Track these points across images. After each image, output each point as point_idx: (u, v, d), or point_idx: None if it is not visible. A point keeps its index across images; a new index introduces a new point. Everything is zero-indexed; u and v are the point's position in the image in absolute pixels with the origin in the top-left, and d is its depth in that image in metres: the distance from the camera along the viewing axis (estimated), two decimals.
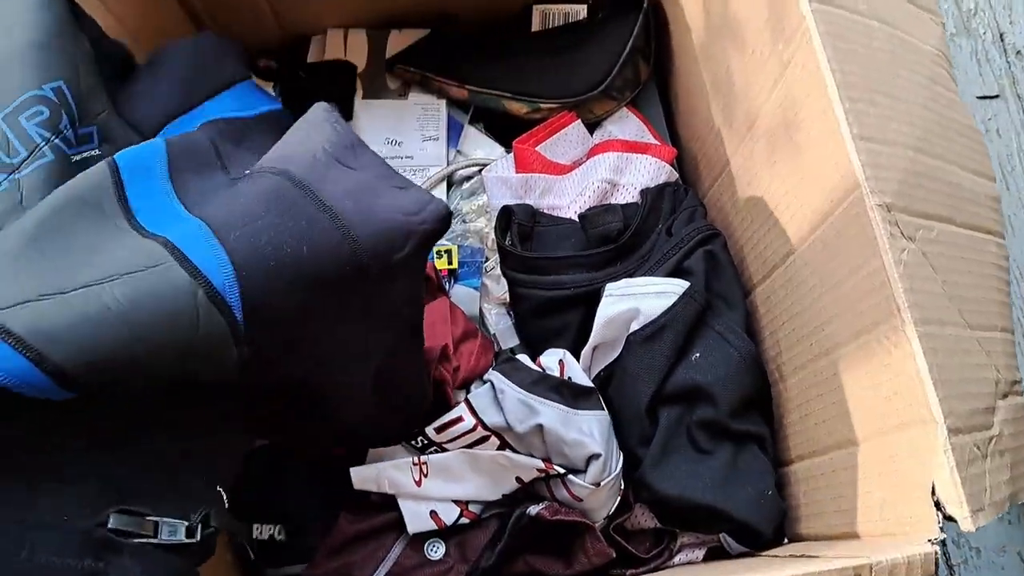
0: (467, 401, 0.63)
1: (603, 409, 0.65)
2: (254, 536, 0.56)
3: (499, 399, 0.63)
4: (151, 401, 0.42)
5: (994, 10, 1.08)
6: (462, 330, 0.70)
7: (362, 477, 0.64)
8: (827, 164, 0.54)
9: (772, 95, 0.60)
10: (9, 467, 0.39)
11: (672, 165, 0.77)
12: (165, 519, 0.44)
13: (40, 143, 0.51)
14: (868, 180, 0.50)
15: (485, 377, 0.66)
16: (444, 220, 0.49)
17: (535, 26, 0.86)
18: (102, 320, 0.39)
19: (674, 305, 0.65)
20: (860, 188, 0.50)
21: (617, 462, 0.63)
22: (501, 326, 0.76)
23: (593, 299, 0.68)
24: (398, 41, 0.87)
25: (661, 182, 0.75)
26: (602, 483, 0.61)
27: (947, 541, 0.46)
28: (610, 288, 0.67)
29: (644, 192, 0.73)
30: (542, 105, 0.80)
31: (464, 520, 0.65)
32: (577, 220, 0.73)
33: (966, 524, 0.44)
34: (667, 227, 0.71)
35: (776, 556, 0.59)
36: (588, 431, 0.62)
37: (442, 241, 0.77)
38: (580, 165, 0.77)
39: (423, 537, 0.65)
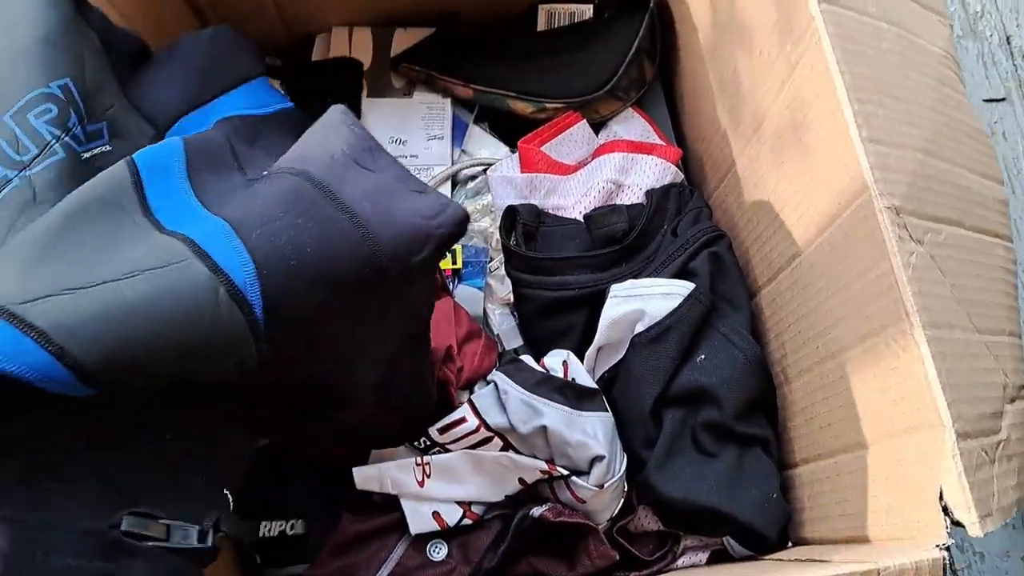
0: (470, 402, 0.63)
1: (607, 411, 0.64)
2: (261, 534, 0.55)
3: (503, 400, 0.63)
4: (167, 400, 0.42)
5: (1001, 12, 1.08)
6: (466, 330, 0.69)
7: (365, 477, 0.63)
8: (835, 166, 0.53)
9: (780, 96, 0.60)
10: (26, 467, 0.39)
11: (677, 166, 0.76)
12: (177, 523, 0.44)
13: (51, 140, 0.50)
14: (877, 183, 0.50)
15: (489, 378, 0.66)
16: (461, 224, 0.49)
17: (541, 25, 0.86)
18: (123, 315, 0.38)
19: (679, 307, 0.64)
20: (869, 190, 0.50)
21: (621, 464, 0.63)
22: (505, 326, 0.76)
23: (598, 300, 0.67)
24: (403, 39, 0.87)
25: (666, 183, 0.74)
26: (606, 485, 0.61)
27: (951, 546, 0.46)
28: (615, 289, 0.66)
29: (649, 193, 0.73)
30: (547, 105, 0.80)
31: (467, 521, 0.64)
32: (582, 220, 0.73)
33: (974, 530, 0.44)
34: (672, 228, 0.71)
35: (781, 560, 0.59)
36: (592, 433, 0.62)
37: None
38: (585, 165, 0.77)
39: (425, 538, 0.65)
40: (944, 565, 0.44)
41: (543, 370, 0.65)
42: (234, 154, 0.55)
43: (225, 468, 0.49)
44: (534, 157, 0.76)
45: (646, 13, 0.79)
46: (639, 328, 0.65)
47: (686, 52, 0.80)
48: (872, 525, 0.53)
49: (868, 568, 0.43)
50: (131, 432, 0.43)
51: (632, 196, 0.74)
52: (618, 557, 0.63)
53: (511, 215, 0.73)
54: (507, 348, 0.76)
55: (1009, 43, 1.06)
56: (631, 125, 0.81)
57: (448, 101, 0.85)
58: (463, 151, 0.84)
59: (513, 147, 0.82)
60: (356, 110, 0.83)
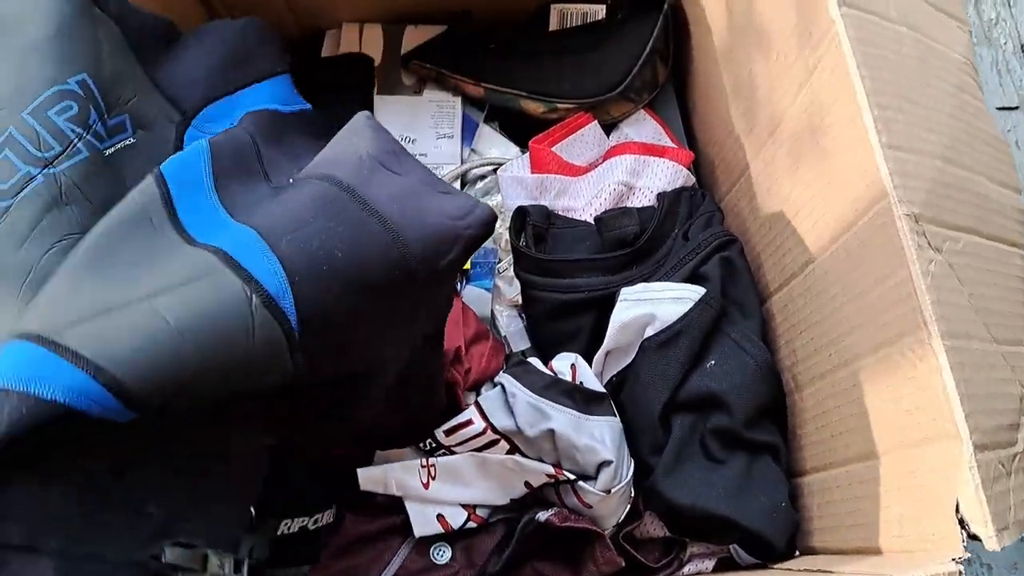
0: (477, 404, 0.62)
1: (615, 415, 0.64)
2: (280, 532, 0.55)
3: (510, 402, 0.62)
4: (202, 416, 0.41)
5: (1016, 20, 1.07)
6: (473, 331, 0.69)
7: (369, 478, 0.63)
8: (853, 172, 0.53)
9: (796, 100, 0.59)
10: (67, 498, 0.39)
11: (689, 169, 0.76)
12: (215, 551, 0.43)
13: (74, 139, 0.50)
14: (896, 189, 0.49)
15: (496, 380, 0.65)
16: (489, 224, 0.49)
17: (553, 25, 0.85)
18: (158, 331, 0.38)
19: (690, 311, 0.64)
20: (888, 197, 0.49)
21: (628, 469, 0.62)
22: (512, 328, 0.75)
23: (607, 303, 0.67)
24: (414, 37, 0.86)
25: (678, 186, 0.74)
26: (612, 490, 0.60)
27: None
28: (625, 292, 0.66)
29: (661, 196, 0.72)
30: (559, 105, 0.79)
31: (471, 524, 0.64)
32: (592, 222, 0.72)
33: (991, 543, 0.43)
34: (683, 232, 0.70)
35: (789, 569, 0.58)
36: (599, 437, 0.61)
37: None
38: (596, 167, 0.76)
39: (429, 541, 0.65)
40: None
41: (551, 373, 0.64)
42: (259, 159, 0.55)
43: (246, 479, 0.49)
44: (545, 158, 0.75)
45: (660, 14, 0.78)
46: (649, 332, 0.64)
47: (700, 54, 0.79)
48: (884, 536, 0.52)
49: None
50: (163, 448, 0.42)
51: (643, 199, 0.73)
52: (624, 563, 0.63)
53: (521, 216, 0.72)
54: (514, 350, 0.75)
55: (1023, 51, 1.06)
56: (643, 127, 0.80)
57: (458, 100, 0.84)
58: (473, 150, 0.83)
59: (523, 147, 0.82)
60: (369, 106, 0.82)
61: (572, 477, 0.61)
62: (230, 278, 0.40)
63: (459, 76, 0.83)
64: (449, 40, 0.85)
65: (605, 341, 0.66)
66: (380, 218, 0.45)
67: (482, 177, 0.82)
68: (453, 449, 0.63)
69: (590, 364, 0.67)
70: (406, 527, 0.64)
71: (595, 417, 0.62)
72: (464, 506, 0.64)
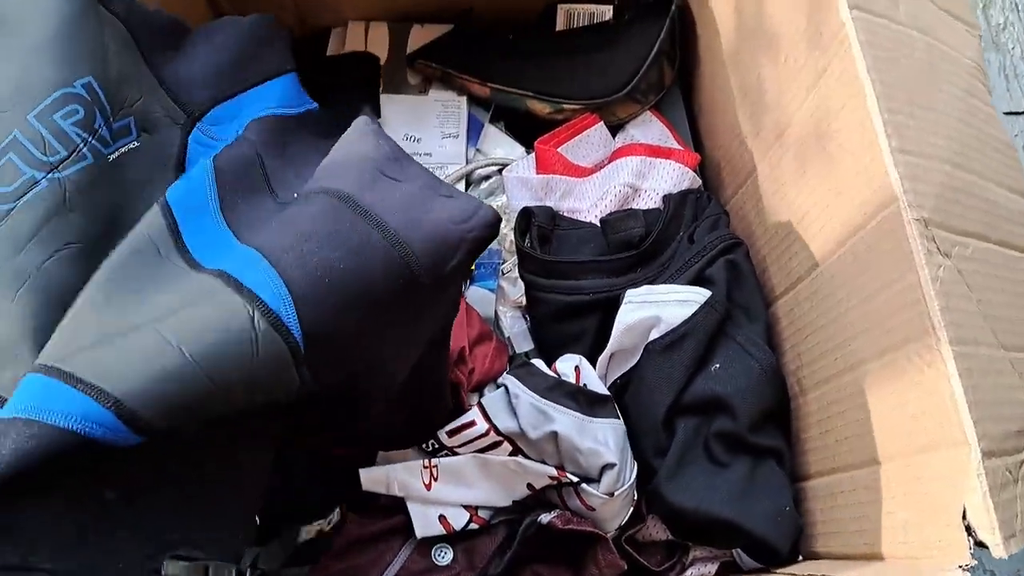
0: (480, 405, 0.62)
1: (619, 418, 0.63)
2: (302, 539, 0.54)
3: (513, 404, 0.62)
4: (209, 435, 0.41)
5: None
6: (477, 332, 0.69)
7: (371, 478, 0.62)
8: (861, 176, 0.52)
9: (805, 103, 0.59)
10: (69, 517, 0.38)
11: (695, 171, 0.75)
12: (217, 563, 0.43)
13: (79, 144, 0.49)
14: (906, 194, 0.49)
15: (499, 381, 0.65)
16: (493, 227, 0.49)
17: (559, 25, 0.85)
18: (161, 353, 0.38)
19: (695, 314, 0.63)
20: (897, 202, 0.49)
21: (631, 472, 0.62)
22: (516, 329, 0.75)
23: (612, 305, 0.67)
24: (420, 36, 0.86)
25: (684, 188, 0.74)
26: (616, 493, 0.60)
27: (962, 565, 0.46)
28: (630, 295, 0.66)
29: (666, 198, 0.72)
30: (565, 106, 0.79)
31: (473, 525, 0.63)
32: (597, 224, 0.72)
33: (998, 551, 0.43)
34: (689, 234, 0.70)
35: (793, 574, 0.58)
36: (603, 440, 0.61)
37: None
38: (602, 168, 0.76)
39: (431, 542, 0.64)
40: None
41: (554, 375, 0.64)
42: (264, 174, 0.55)
43: (252, 490, 0.49)
44: (550, 158, 0.75)
45: (667, 16, 0.78)
46: (654, 335, 0.64)
47: (707, 56, 0.79)
48: (888, 542, 0.52)
49: None
50: (169, 469, 0.42)
51: (649, 201, 0.73)
52: (626, 567, 0.63)
53: (526, 217, 0.72)
54: (517, 351, 0.75)
55: None
56: (649, 129, 0.80)
57: (464, 99, 0.84)
58: (478, 150, 0.83)
59: (528, 147, 0.82)
60: (376, 105, 0.82)
61: (575, 479, 0.60)
62: (232, 297, 0.40)
63: (465, 76, 0.82)
64: (455, 39, 0.85)
65: (609, 343, 0.65)
66: (382, 227, 0.45)
67: (487, 177, 0.82)
68: (456, 450, 0.63)
69: (594, 366, 0.67)
70: (407, 528, 0.63)
71: (599, 419, 0.62)
72: (466, 507, 0.63)
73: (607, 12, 0.84)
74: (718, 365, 0.63)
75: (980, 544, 0.44)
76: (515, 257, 0.73)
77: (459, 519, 0.63)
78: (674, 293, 0.65)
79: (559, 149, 0.77)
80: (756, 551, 0.62)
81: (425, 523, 0.63)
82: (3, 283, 0.44)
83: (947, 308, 0.47)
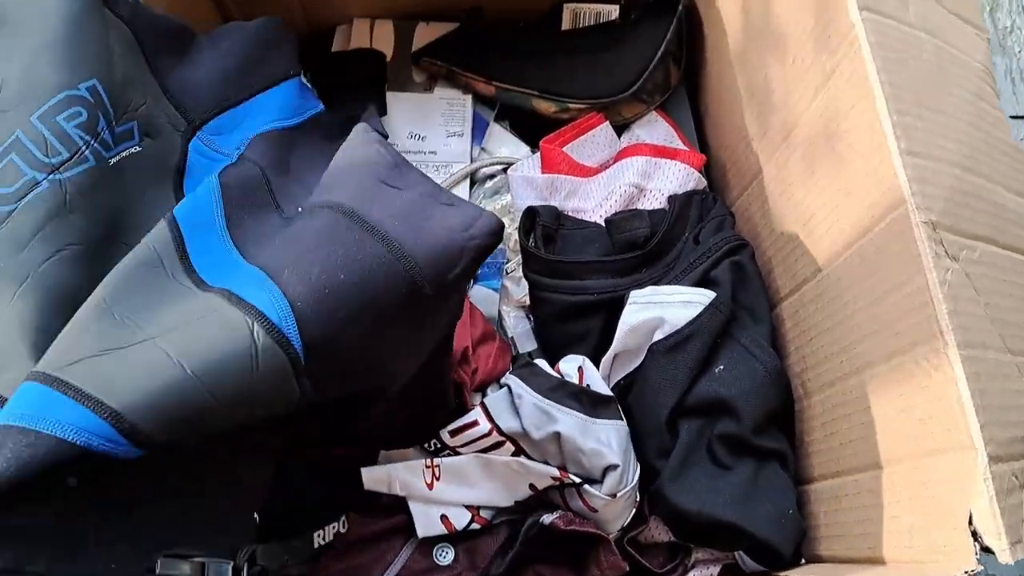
0: (483, 405, 0.62)
1: (622, 419, 0.63)
2: (316, 545, 0.54)
3: (516, 404, 0.61)
4: (210, 446, 0.41)
5: None
6: (481, 332, 0.68)
7: (373, 477, 0.62)
8: (870, 178, 0.52)
9: (812, 105, 0.59)
10: (60, 523, 0.38)
11: (700, 172, 0.75)
12: (212, 560, 0.43)
13: (82, 146, 0.49)
14: (915, 196, 0.48)
15: (502, 381, 0.65)
16: (496, 234, 0.49)
17: (565, 24, 0.85)
18: (159, 366, 0.38)
19: (700, 315, 0.63)
20: (906, 204, 0.49)
21: (634, 474, 0.62)
22: (519, 329, 0.75)
23: (616, 306, 0.66)
24: (425, 34, 0.86)
25: (689, 189, 0.73)
26: (618, 494, 0.60)
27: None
28: (635, 295, 0.65)
29: (672, 199, 0.72)
30: (570, 105, 0.79)
31: (475, 526, 0.63)
32: (602, 224, 0.72)
33: (1004, 556, 0.43)
34: (694, 235, 0.70)
35: None
36: (606, 441, 0.60)
37: None
38: (607, 168, 0.76)
39: (432, 541, 0.64)
40: None
41: (558, 375, 0.64)
42: (270, 190, 0.55)
43: (251, 492, 0.49)
44: (556, 158, 0.75)
45: (674, 16, 0.78)
46: (658, 336, 0.64)
47: (713, 56, 0.79)
48: (893, 546, 0.51)
49: None
50: (169, 482, 0.42)
51: (654, 201, 0.73)
52: (628, 568, 0.62)
53: (531, 216, 0.71)
54: (521, 351, 0.75)
55: None
56: (654, 129, 0.80)
57: (469, 98, 0.84)
58: (483, 149, 0.83)
59: (533, 146, 0.81)
60: (382, 104, 0.82)
61: (577, 480, 0.60)
62: (232, 311, 0.41)
63: (470, 74, 0.82)
64: (461, 37, 0.85)
65: (613, 344, 0.65)
66: (383, 237, 0.45)
67: (491, 176, 0.81)
68: (458, 450, 0.63)
69: (597, 367, 0.66)
70: (409, 527, 0.63)
71: (602, 420, 0.62)
72: (468, 507, 0.63)
73: (613, 11, 0.84)
74: (722, 367, 0.63)
75: (986, 549, 0.44)
76: (519, 256, 0.73)
77: (461, 519, 0.63)
78: (679, 294, 0.65)
79: (564, 148, 0.76)
80: (759, 554, 0.61)
81: (427, 523, 0.63)
82: (4, 282, 0.44)
83: (955, 312, 0.47)
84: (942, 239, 0.48)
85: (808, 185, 0.61)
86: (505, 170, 0.80)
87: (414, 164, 0.78)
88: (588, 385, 0.64)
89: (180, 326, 0.40)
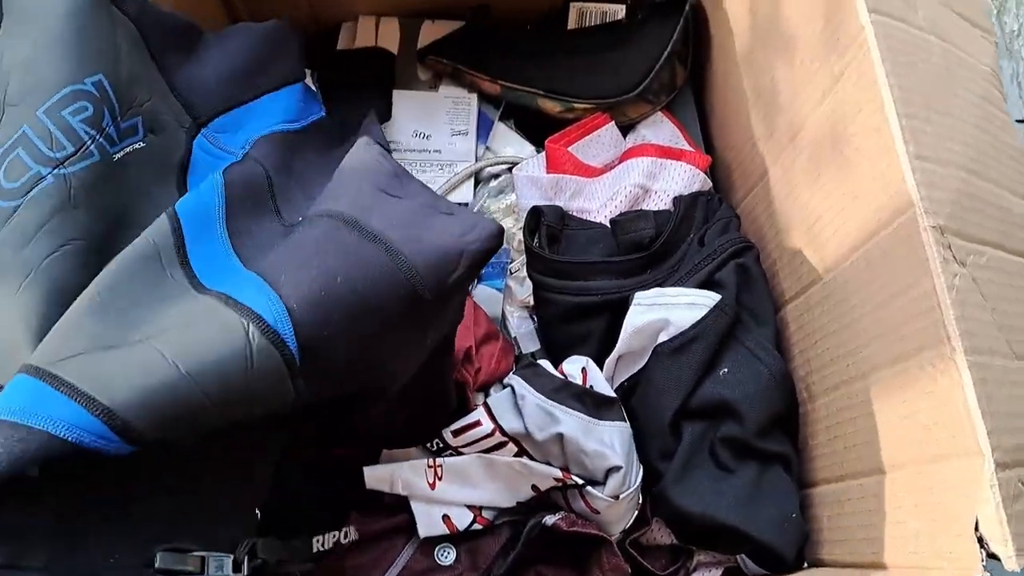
0: (486, 405, 0.62)
1: (625, 420, 0.63)
2: (315, 550, 0.54)
3: (519, 405, 0.61)
4: (206, 446, 0.41)
5: None
6: (484, 331, 0.68)
7: (375, 477, 0.62)
8: (877, 181, 0.52)
9: (820, 107, 0.59)
10: (59, 517, 0.38)
11: (706, 173, 0.75)
12: (212, 554, 0.43)
13: (87, 141, 0.49)
14: (923, 200, 0.48)
15: (505, 381, 0.65)
16: (496, 238, 0.49)
17: (571, 24, 0.84)
18: (153, 364, 0.38)
19: (705, 318, 0.63)
20: (914, 208, 0.48)
21: (637, 475, 0.62)
22: (522, 330, 0.75)
23: (620, 307, 0.66)
24: (431, 32, 0.85)
25: (694, 190, 0.73)
26: (621, 496, 0.60)
27: None
28: (639, 297, 0.65)
29: (677, 200, 0.72)
30: (576, 105, 0.79)
31: (477, 526, 0.63)
32: (606, 224, 0.72)
33: (1010, 564, 0.43)
34: (699, 237, 0.70)
35: None
36: (609, 442, 0.60)
37: None
38: (612, 168, 0.76)
39: (434, 541, 0.64)
40: None
41: (561, 376, 0.64)
42: (272, 194, 0.55)
43: (250, 490, 0.48)
44: (561, 157, 0.75)
45: (681, 16, 0.77)
46: (662, 338, 0.64)
47: (720, 57, 0.79)
48: (897, 551, 0.51)
49: None
50: (164, 479, 0.42)
51: (659, 202, 0.72)
52: (630, 570, 0.62)
53: (535, 216, 0.71)
54: (524, 352, 0.74)
55: None
56: (660, 129, 0.79)
57: (474, 96, 0.83)
58: (487, 148, 0.82)
59: (538, 146, 0.81)
60: (388, 103, 0.82)
61: (580, 482, 0.60)
62: (228, 313, 0.41)
63: (476, 72, 0.82)
64: (466, 36, 0.84)
65: (617, 345, 0.65)
66: (381, 242, 0.45)
67: (496, 176, 0.81)
68: (460, 450, 0.63)
69: (601, 368, 0.66)
70: (411, 527, 0.63)
71: (605, 422, 0.61)
72: (470, 507, 0.63)
73: (619, 11, 0.84)
74: (726, 369, 0.63)
75: (992, 556, 0.43)
76: (523, 256, 0.73)
77: (463, 519, 0.63)
78: (683, 296, 0.65)
79: (569, 148, 0.76)
80: (761, 557, 0.61)
81: (429, 523, 0.63)
82: (8, 275, 0.44)
83: (962, 317, 0.46)
84: (950, 244, 0.48)
85: (814, 188, 0.61)
86: (510, 169, 0.80)
87: (418, 163, 0.80)
88: (591, 386, 0.64)
89: (176, 327, 0.40)
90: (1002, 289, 0.50)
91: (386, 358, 0.48)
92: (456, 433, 0.61)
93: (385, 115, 0.81)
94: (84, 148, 0.49)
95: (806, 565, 0.62)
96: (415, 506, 0.63)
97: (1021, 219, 0.55)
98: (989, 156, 0.54)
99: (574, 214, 0.73)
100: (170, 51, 0.60)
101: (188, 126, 0.59)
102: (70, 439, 0.35)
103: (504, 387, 0.64)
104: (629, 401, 0.65)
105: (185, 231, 0.48)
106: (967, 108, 0.55)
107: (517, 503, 0.63)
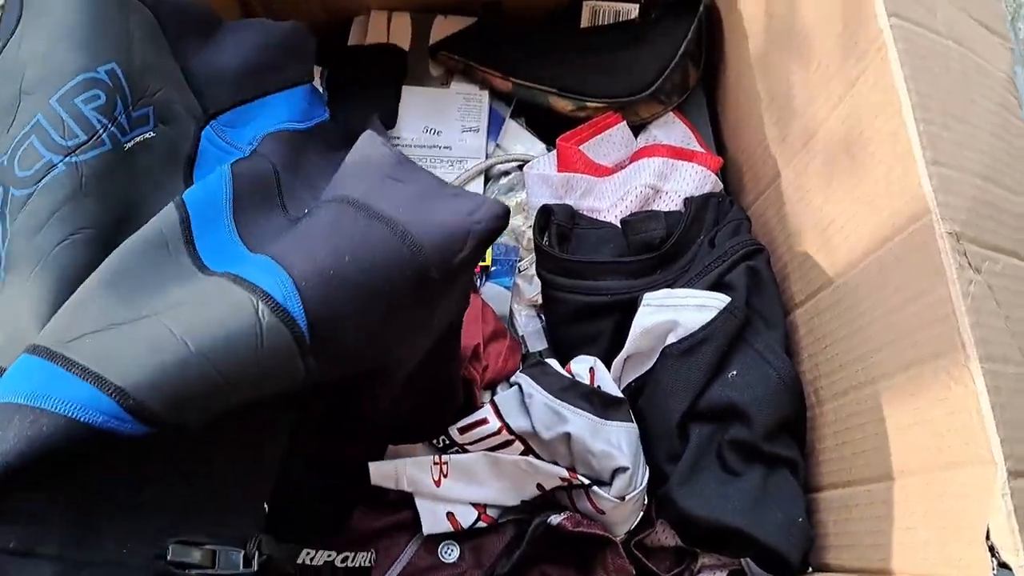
0: (493, 403, 0.61)
1: (632, 421, 0.63)
2: (300, 562, 0.54)
3: (526, 403, 0.61)
4: (218, 426, 0.41)
5: None
6: (492, 329, 0.68)
7: (381, 473, 0.62)
8: (892, 187, 0.52)
9: (836, 110, 0.58)
10: (72, 503, 0.38)
11: (717, 175, 0.75)
12: (223, 547, 0.43)
13: (99, 129, 0.49)
14: (939, 206, 0.48)
15: (513, 380, 0.64)
16: (501, 218, 0.49)
17: (584, 22, 0.84)
18: (163, 342, 0.38)
19: (714, 320, 0.63)
20: (930, 214, 0.48)
21: (643, 477, 0.61)
22: (530, 328, 0.74)
23: (630, 307, 0.66)
24: (443, 27, 0.85)
25: (706, 191, 0.73)
26: (627, 497, 0.60)
27: None
28: (648, 298, 0.65)
29: (688, 201, 0.71)
30: (588, 104, 0.78)
31: (481, 524, 0.63)
32: (617, 224, 0.71)
33: (1021, 573, 0.42)
34: (710, 239, 0.69)
35: None
36: (616, 443, 0.60)
37: None
38: (623, 168, 0.76)
39: (438, 539, 0.64)
40: None
41: (569, 375, 0.64)
42: (279, 189, 0.56)
43: (262, 473, 0.48)
44: (572, 156, 0.74)
45: (695, 16, 0.77)
46: (671, 339, 0.63)
47: (733, 58, 0.78)
48: (906, 558, 0.51)
49: None
50: (177, 461, 0.42)
51: (670, 203, 0.72)
52: (634, 572, 0.62)
53: (546, 215, 0.71)
54: (531, 350, 0.74)
55: None
56: (672, 130, 0.79)
57: (486, 93, 0.83)
58: (498, 145, 0.82)
59: (549, 144, 0.81)
60: (396, 104, 0.81)
61: (586, 482, 0.60)
62: (237, 291, 0.41)
63: (487, 69, 0.82)
64: (479, 32, 0.84)
65: (626, 346, 0.65)
66: (388, 222, 0.45)
67: (506, 173, 0.81)
68: (466, 447, 0.62)
69: (608, 368, 0.66)
70: (415, 524, 0.63)
71: (612, 422, 0.61)
72: (475, 505, 0.63)
73: (633, 10, 0.84)
74: (735, 372, 0.63)
75: (1003, 566, 0.43)
76: (532, 255, 0.73)
77: (467, 517, 0.63)
78: (692, 298, 0.64)
79: (581, 147, 0.76)
80: (766, 561, 0.61)
81: (433, 520, 0.62)
82: (21, 263, 0.44)
83: (977, 324, 0.46)
84: (965, 250, 0.48)
85: (827, 192, 0.61)
86: (520, 167, 0.80)
87: (428, 159, 0.80)
88: (599, 386, 0.64)
89: (183, 304, 0.40)
90: (1016, 296, 0.50)
91: (394, 338, 0.48)
92: (463, 430, 0.61)
93: (391, 120, 0.81)
94: (96, 136, 0.49)
95: (811, 570, 0.61)
96: (419, 503, 0.62)
97: None
98: (1004, 163, 0.54)
99: (584, 213, 0.73)
100: (186, 39, 0.60)
101: (198, 116, 0.59)
102: (83, 420, 0.35)
103: (511, 385, 0.64)
104: (636, 402, 0.65)
105: (192, 220, 0.48)
106: (984, 115, 0.54)
107: (522, 502, 0.63)
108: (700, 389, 0.62)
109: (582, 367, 0.65)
